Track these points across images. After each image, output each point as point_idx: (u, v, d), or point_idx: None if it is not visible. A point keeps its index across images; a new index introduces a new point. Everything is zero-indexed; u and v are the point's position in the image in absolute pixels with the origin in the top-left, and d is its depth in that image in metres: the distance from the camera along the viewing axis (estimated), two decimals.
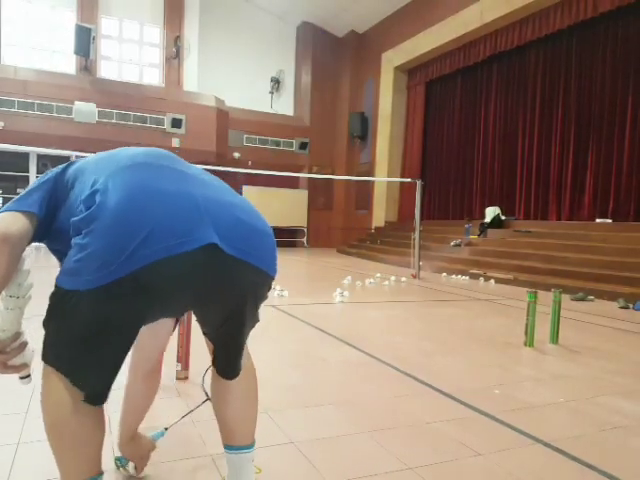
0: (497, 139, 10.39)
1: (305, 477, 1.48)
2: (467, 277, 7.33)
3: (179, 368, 2.29)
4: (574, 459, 1.65)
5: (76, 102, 11.26)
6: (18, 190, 12.20)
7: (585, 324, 4.13)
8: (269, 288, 1.24)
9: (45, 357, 1.04)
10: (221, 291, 1.12)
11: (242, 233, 1.09)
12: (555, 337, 3.31)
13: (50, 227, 1.14)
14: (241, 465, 1.28)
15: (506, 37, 9.52)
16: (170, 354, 2.44)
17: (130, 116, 11.77)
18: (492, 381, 2.46)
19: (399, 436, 1.79)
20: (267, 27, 14.61)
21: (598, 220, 7.97)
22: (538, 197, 9.41)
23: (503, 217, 9.37)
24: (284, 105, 14.99)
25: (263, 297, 1.24)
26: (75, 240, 1.01)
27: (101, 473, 1.11)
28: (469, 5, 9.87)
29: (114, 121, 11.61)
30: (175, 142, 12.22)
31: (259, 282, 1.18)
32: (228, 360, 1.30)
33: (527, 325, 3.20)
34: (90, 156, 1.29)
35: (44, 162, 12.01)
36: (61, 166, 1.28)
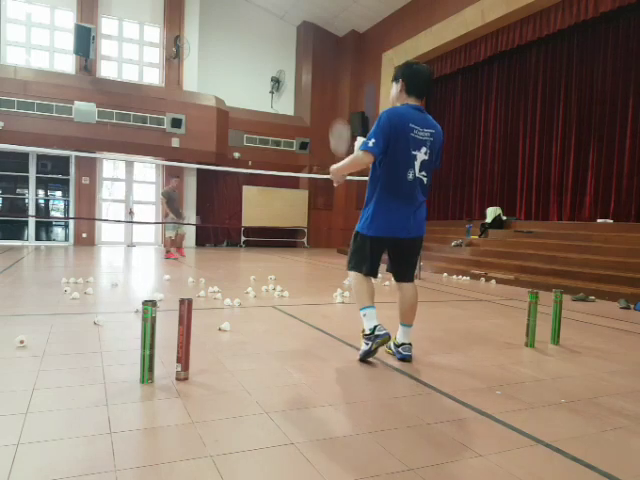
0: (498, 139, 10.38)
1: (305, 478, 1.48)
2: (468, 277, 7.33)
3: (179, 369, 2.28)
4: (575, 460, 1.64)
5: (76, 102, 11.27)
6: (18, 190, 12.21)
7: (586, 325, 4.13)
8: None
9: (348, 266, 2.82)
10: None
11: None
12: (556, 338, 3.30)
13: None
14: (406, 332, 2.80)
15: (507, 37, 9.51)
16: (170, 355, 2.44)
17: (130, 116, 11.77)
18: (493, 382, 2.46)
19: (400, 437, 1.79)
20: (267, 27, 14.62)
21: (599, 220, 7.96)
22: (539, 197, 9.41)
23: (504, 217, 9.37)
24: (284, 105, 15.00)
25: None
26: None
27: (373, 306, 2.74)
28: (470, 5, 9.88)
29: (114, 121, 11.61)
30: (175, 142, 12.22)
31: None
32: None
33: (528, 325, 3.20)
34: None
35: (44, 162, 12.01)
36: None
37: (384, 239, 2.69)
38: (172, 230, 9.35)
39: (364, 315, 2.71)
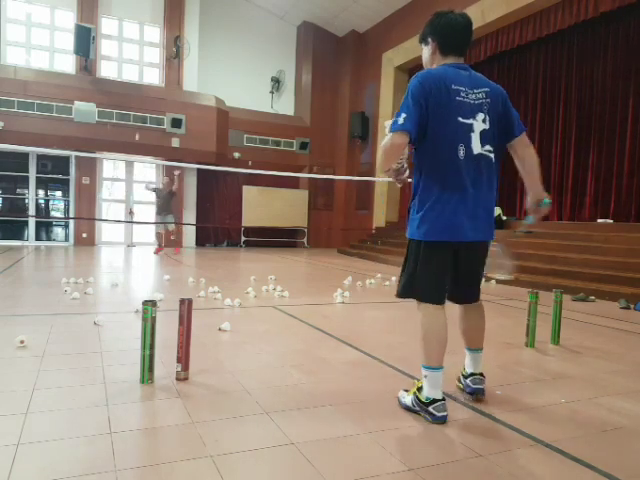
0: None
1: (306, 478, 1.48)
2: None
3: (179, 369, 2.29)
4: (575, 460, 1.64)
5: (76, 102, 11.26)
6: (18, 190, 12.21)
7: (586, 325, 4.13)
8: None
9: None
10: None
11: None
12: (556, 338, 3.30)
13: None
14: (476, 359, 2.20)
15: (507, 37, 9.50)
16: (170, 355, 2.44)
17: (130, 116, 11.77)
18: (493, 382, 2.45)
19: (400, 437, 1.79)
20: (267, 27, 14.61)
21: (599, 220, 7.96)
22: None
23: (504, 217, 9.37)
24: (284, 105, 14.99)
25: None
26: None
27: (441, 368, 1.96)
28: (470, 5, 9.87)
29: (114, 121, 11.60)
30: (175, 142, 12.22)
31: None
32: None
33: (528, 326, 3.20)
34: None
35: (44, 162, 12.00)
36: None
37: (447, 245, 1.98)
38: (162, 226, 10.40)
39: (425, 376, 1.96)
